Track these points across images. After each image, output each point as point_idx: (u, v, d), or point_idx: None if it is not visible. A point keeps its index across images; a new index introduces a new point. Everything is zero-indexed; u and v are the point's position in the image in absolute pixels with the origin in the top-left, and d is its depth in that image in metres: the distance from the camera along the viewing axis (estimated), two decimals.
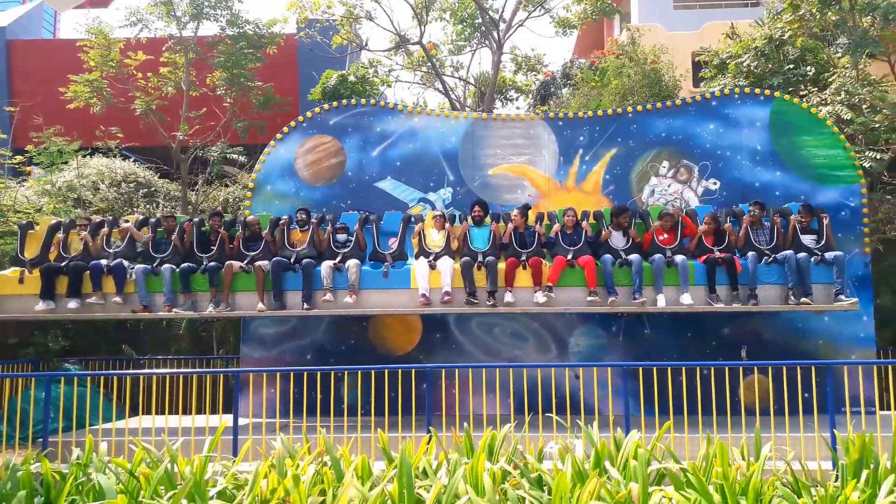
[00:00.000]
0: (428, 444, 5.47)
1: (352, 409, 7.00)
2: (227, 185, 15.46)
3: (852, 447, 5.03)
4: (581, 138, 10.59)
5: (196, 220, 9.39)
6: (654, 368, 6.83)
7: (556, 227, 8.81)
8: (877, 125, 11.53)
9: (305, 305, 8.41)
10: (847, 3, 12.32)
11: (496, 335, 9.54)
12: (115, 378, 8.26)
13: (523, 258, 8.52)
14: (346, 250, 8.91)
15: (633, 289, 8.20)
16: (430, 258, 8.70)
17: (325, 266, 8.56)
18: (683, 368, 6.99)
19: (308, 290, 8.48)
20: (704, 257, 8.45)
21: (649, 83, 14.72)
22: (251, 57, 15.05)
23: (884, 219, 11.07)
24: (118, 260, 8.66)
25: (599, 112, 10.77)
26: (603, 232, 8.79)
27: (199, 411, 7.53)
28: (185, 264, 8.73)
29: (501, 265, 8.50)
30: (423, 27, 17.41)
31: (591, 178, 10.53)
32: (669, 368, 6.82)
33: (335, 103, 11.00)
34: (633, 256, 8.47)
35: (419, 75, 19.46)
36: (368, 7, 17.47)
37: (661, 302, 8.04)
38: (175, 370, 7.93)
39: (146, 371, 7.92)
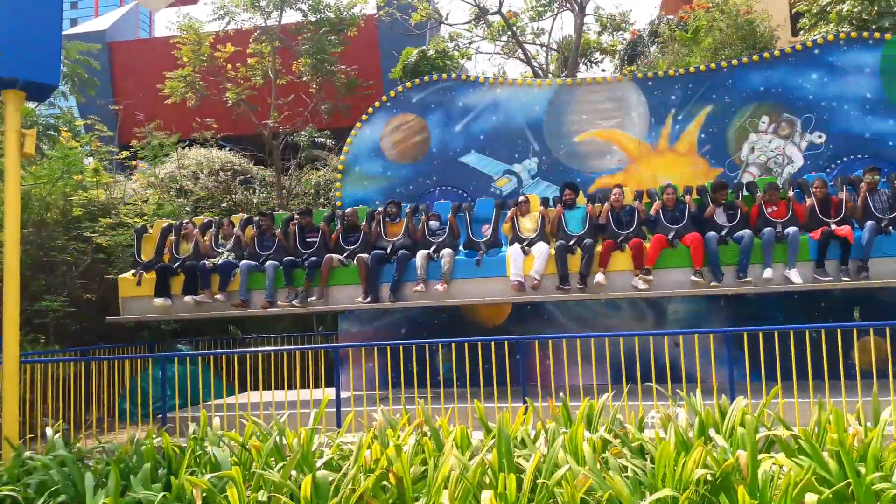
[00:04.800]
0: (525, 414, 5.47)
1: (447, 381, 7.08)
2: (317, 169, 15.88)
3: None
4: (673, 97, 10.18)
5: (296, 216, 9.59)
6: (760, 333, 6.52)
7: (657, 204, 8.36)
8: None
9: (392, 297, 8.46)
10: None
11: (588, 305, 9.38)
12: (224, 357, 8.68)
13: (621, 239, 8.18)
14: (440, 239, 8.88)
15: (737, 268, 7.75)
16: (525, 244, 8.50)
17: (420, 256, 8.53)
18: (791, 332, 6.66)
19: (399, 281, 8.52)
20: (819, 230, 7.78)
21: (743, 35, 13.92)
22: (334, 42, 15.31)
23: None
24: (226, 259, 9.04)
25: (692, 69, 10.32)
26: (708, 208, 8.29)
27: (303, 386, 7.84)
28: (288, 258, 8.93)
29: (599, 248, 8.19)
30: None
31: (685, 139, 10.12)
32: (776, 333, 6.50)
33: (416, 80, 11.05)
34: (744, 232, 7.92)
35: (500, 46, 19.19)
36: None
37: (768, 274, 7.59)
38: (279, 347, 8.30)
39: (252, 349, 8.31)
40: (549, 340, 7.25)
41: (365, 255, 8.69)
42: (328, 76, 15.17)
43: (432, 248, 8.70)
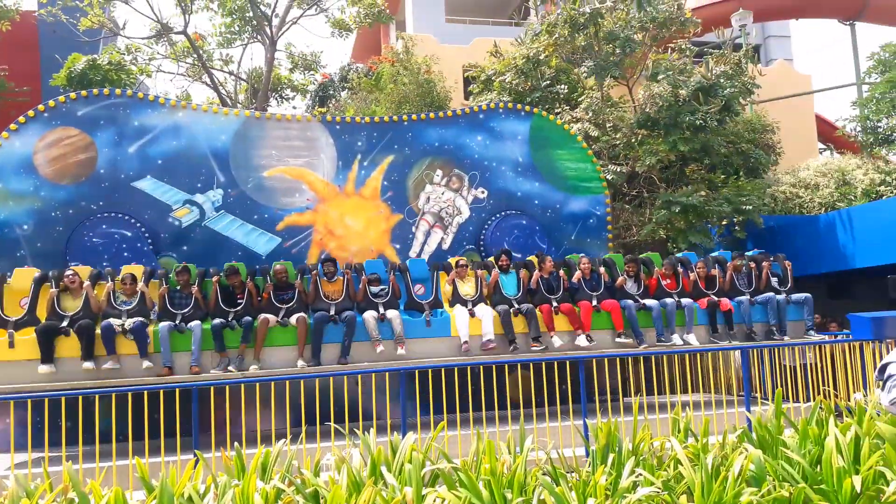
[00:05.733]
0: (194, 468, 5.05)
1: (106, 436, 6.25)
2: None
3: (601, 434, 5.57)
4: (359, 143, 10.61)
5: (223, 275, 8.34)
6: (429, 370, 7.01)
7: (578, 274, 9.08)
8: (618, 143, 13.04)
9: (344, 359, 8.02)
10: (593, 29, 13.78)
11: None
12: None
13: (555, 304, 8.75)
14: (382, 300, 8.54)
15: (654, 330, 8.84)
16: (468, 306, 8.64)
17: (370, 317, 8.21)
18: (456, 368, 7.27)
19: (349, 343, 8.12)
20: (705, 301, 9.19)
21: (423, 93, 15.22)
22: None
23: (624, 225, 12.55)
24: (138, 319, 7.63)
25: (377, 118, 10.89)
26: (619, 279, 9.19)
27: None
28: (217, 320, 7.91)
29: (538, 311, 8.70)
30: (187, 16, 16.27)
31: (370, 184, 10.60)
32: (443, 369, 7.04)
33: (84, 92, 9.83)
34: (652, 302, 9.00)
35: (184, 67, 18.15)
36: None
37: (678, 340, 8.78)
38: None
39: None
40: (226, 386, 6.85)
41: (305, 316, 8.09)
42: None
43: (378, 309, 8.39)
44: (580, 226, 11.11)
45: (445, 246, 10.71)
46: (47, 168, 9.36)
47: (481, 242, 10.67)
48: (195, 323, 7.82)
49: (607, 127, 13.34)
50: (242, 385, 6.70)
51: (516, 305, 8.71)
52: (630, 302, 8.94)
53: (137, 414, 6.30)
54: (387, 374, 7.61)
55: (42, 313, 7.77)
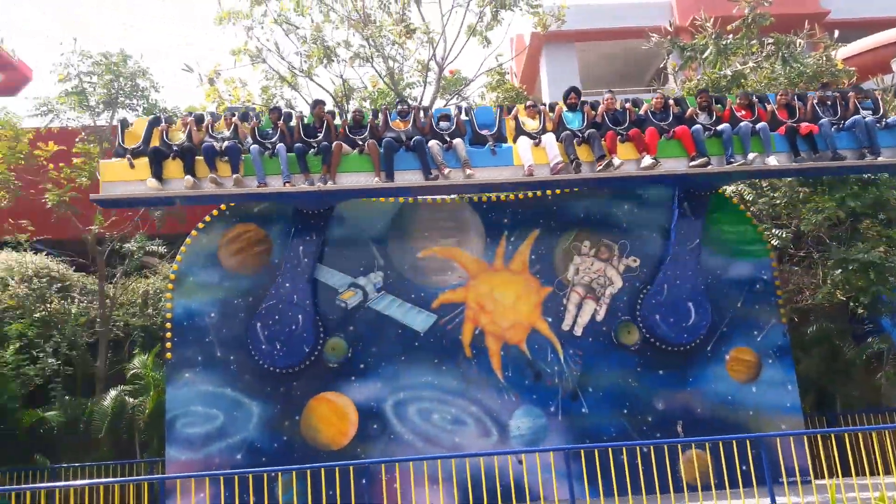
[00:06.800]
0: None
1: None
2: (146, 277, 14.85)
3: None
4: (505, 220, 10.80)
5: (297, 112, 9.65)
6: (596, 450, 6.81)
7: (646, 106, 9.48)
8: (777, 202, 12.33)
9: (428, 177, 8.83)
10: (737, 91, 13.35)
11: (435, 422, 9.35)
12: (28, 493, 7.45)
13: (622, 134, 9.10)
14: (447, 132, 9.36)
15: (724, 155, 8.97)
16: (534, 139, 9.19)
17: (434, 144, 8.95)
18: (624, 448, 7.01)
19: (426, 164, 8.88)
20: (783, 127, 9.15)
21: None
22: None
23: (794, 289, 11.70)
24: (232, 141, 9.10)
25: (521, 195, 11.05)
26: (689, 110, 9.46)
27: None
28: (299, 145, 9.13)
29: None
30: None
31: (518, 258, 10.72)
32: (610, 449, 6.81)
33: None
34: (724, 126, 9.11)
35: None
36: (288, 96, 17.59)
37: (751, 157, 8.82)
38: (94, 480, 7.24)
39: (62, 483, 7.22)
40: (396, 463, 7.04)
41: (374, 141, 9.03)
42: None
43: (444, 140, 9.17)
44: (746, 291, 10.49)
45: (599, 318, 10.47)
46: (230, 261, 10.34)
47: (637, 313, 10.37)
48: (281, 146, 9.02)
49: (763, 187, 12.68)
50: (411, 463, 6.86)
51: (580, 136, 8.97)
52: (699, 126, 8.94)
53: (315, 489, 6.61)
54: (551, 452, 7.48)
55: (154, 144, 9.32)
